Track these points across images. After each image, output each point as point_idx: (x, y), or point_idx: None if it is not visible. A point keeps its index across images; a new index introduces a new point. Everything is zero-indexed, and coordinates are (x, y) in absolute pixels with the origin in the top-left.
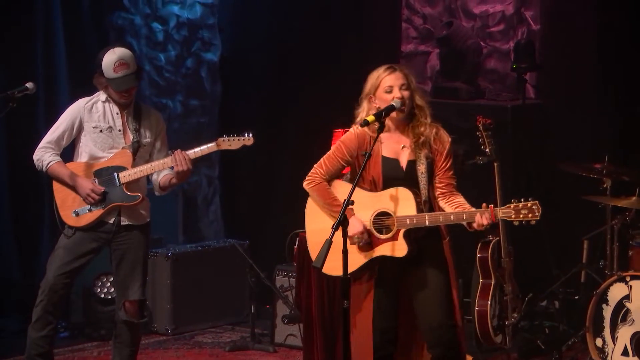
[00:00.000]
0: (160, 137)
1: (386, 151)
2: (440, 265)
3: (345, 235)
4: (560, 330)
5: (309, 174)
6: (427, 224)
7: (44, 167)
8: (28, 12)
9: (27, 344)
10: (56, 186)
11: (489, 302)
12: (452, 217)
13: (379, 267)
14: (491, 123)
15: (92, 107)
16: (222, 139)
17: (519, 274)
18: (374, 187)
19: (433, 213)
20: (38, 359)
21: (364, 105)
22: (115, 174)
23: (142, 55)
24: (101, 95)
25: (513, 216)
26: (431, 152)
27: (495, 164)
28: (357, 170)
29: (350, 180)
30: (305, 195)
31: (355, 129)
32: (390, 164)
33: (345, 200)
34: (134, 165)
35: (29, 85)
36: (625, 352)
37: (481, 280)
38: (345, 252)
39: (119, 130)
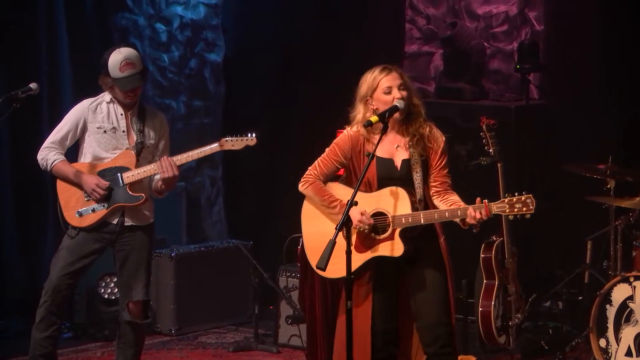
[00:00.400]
0: (164, 138)
1: (380, 151)
2: (437, 264)
3: (348, 236)
4: (564, 331)
5: (303, 176)
6: (422, 222)
7: (48, 166)
8: (31, 12)
9: (30, 344)
10: (60, 186)
11: (493, 303)
12: (446, 214)
13: (378, 268)
14: (495, 124)
15: (96, 108)
16: (225, 139)
17: (523, 275)
18: (368, 188)
19: (428, 211)
20: None
21: (360, 107)
22: (119, 174)
23: (146, 56)
24: (106, 96)
25: (507, 210)
26: (425, 151)
27: (499, 165)
28: (351, 171)
29: (346, 182)
30: None
31: (348, 131)
32: (385, 164)
33: (349, 201)
34: (137, 166)
35: (33, 85)
36: (629, 353)
37: (485, 281)
38: (348, 253)
39: (123, 131)
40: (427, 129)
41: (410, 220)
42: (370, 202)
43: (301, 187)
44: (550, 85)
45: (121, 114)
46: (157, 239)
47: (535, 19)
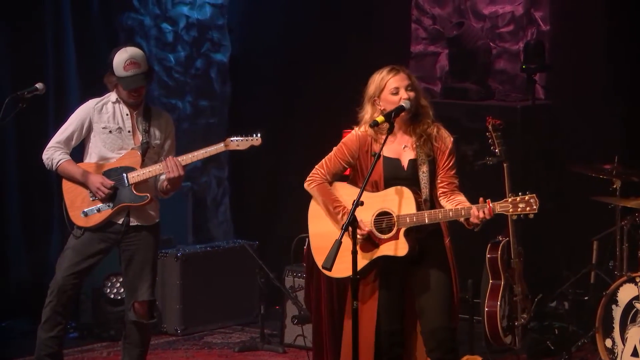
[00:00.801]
0: (169, 138)
1: (387, 151)
2: (441, 265)
3: (354, 236)
4: (570, 331)
5: (310, 174)
6: (426, 221)
7: (53, 166)
8: (37, 13)
9: (36, 344)
10: (65, 186)
11: (499, 303)
12: (450, 213)
13: (383, 268)
14: (501, 124)
15: (102, 108)
16: (230, 139)
17: (529, 275)
18: (375, 188)
19: (432, 210)
20: None
21: (367, 108)
22: (124, 174)
23: (152, 56)
24: (111, 96)
25: (511, 210)
26: (433, 151)
27: (505, 165)
28: (358, 170)
29: (352, 182)
30: None
31: (356, 131)
32: (392, 163)
33: (355, 200)
34: (143, 166)
35: (39, 85)
36: (635, 353)
37: (491, 281)
38: (354, 253)
39: (129, 131)
40: (435, 129)
41: (414, 219)
42: (375, 202)
43: (307, 185)
44: (556, 86)
45: (127, 114)
46: (163, 239)
47: (541, 19)
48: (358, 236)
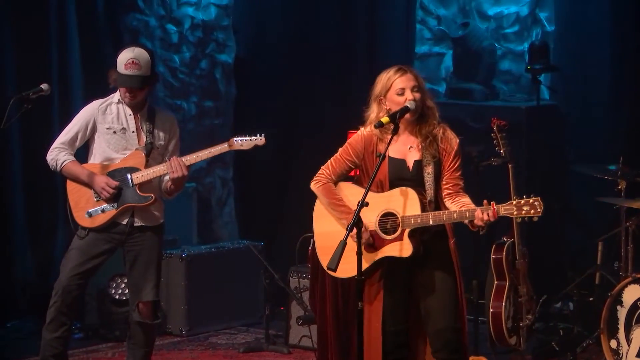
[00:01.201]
0: (174, 139)
1: (393, 152)
2: (447, 266)
3: (359, 236)
4: (575, 332)
5: (316, 175)
6: (430, 222)
7: (58, 167)
8: (42, 13)
9: (41, 345)
10: (70, 187)
11: (504, 304)
12: (455, 215)
13: (387, 269)
14: (506, 124)
15: (106, 109)
16: (234, 139)
17: (534, 276)
18: (380, 188)
19: (437, 212)
20: None
21: (374, 107)
22: (129, 175)
23: (157, 57)
24: (115, 97)
25: (515, 212)
26: (438, 152)
27: (510, 166)
28: (364, 171)
29: (358, 182)
30: None
31: (362, 131)
32: (397, 164)
33: (360, 201)
34: (147, 167)
35: (44, 86)
36: None
37: (495, 282)
38: (359, 253)
39: (133, 132)
40: (441, 130)
41: (419, 221)
42: (380, 202)
43: (313, 186)
44: (561, 86)
45: (130, 115)
46: (168, 239)
47: (546, 20)
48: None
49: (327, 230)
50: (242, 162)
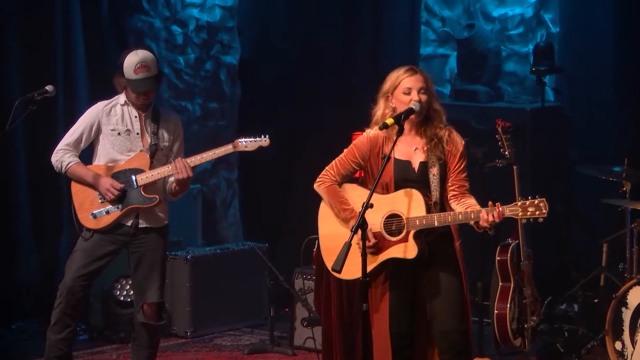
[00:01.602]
0: (178, 140)
1: (398, 153)
2: (452, 268)
3: (364, 238)
4: (580, 334)
5: (320, 175)
6: (435, 224)
7: (63, 168)
8: (47, 15)
9: (46, 346)
10: (74, 188)
11: (508, 305)
12: (460, 216)
13: (393, 270)
14: (510, 126)
15: (110, 110)
16: (239, 140)
17: (538, 277)
18: (385, 190)
19: (442, 213)
20: None
21: (381, 103)
22: (133, 176)
23: (162, 58)
24: (120, 99)
25: (520, 214)
26: (444, 154)
27: (515, 167)
28: (369, 173)
29: (362, 184)
30: None
31: (367, 133)
32: (402, 166)
33: (365, 202)
34: (151, 168)
35: (49, 88)
36: None
37: (500, 283)
38: (364, 255)
39: (137, 133)
40: (447, 132)
41: (424, 222)
42: (385, 204)
43: (316, 186)
44: (566, 88)
45: (135, 116)
46: (173, 241)
47: (551, 21)
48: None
49: (331, 231)
50: (247, 164)
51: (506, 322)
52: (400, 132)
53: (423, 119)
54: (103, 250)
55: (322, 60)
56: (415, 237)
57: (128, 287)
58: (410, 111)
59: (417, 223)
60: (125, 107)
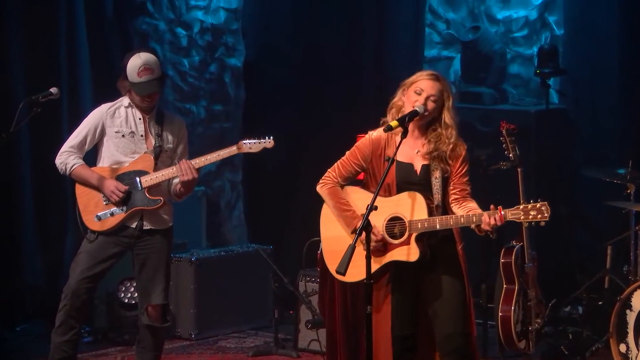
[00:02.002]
0: (182, 142)
1: (400, 156)
2: (455, 271)
3: (368, 240)
4: (584, 336)
5: (322, 177)
6: (437, 227)
7: (67, 170)
8: (51, 18)
9: (50, 348)
10: (79, 191)
11: (513, 308)
12: (461, 219)
13: (395, 273)
14: (515, 128)
15: (114, 112)
16: (243, 142)
17: (543, 279)
18: (387, 192)
19: (444, 216)
20: None
21: (398, 93)
22: (137, 178)
23: (166, 61)
24: (124, 101)
25: (522, 217)
26: (446, 159)
27: (519, 170)
28: (371, 175)
29: (364, 186)
30: None
31: (370, 135)
32: (405, 168)
33: (369, 205)
34: (155, 170)
35: (53, 90)
36: None
37: (505, 286)
38: (368, 257)
39: (141, 135)
40: (450, 147)
41: (426, 225)
42: (388, 207)
43: (319, 188)
44: (570, 90)
45: (139, 118)
46: (177, 243)
47: (555, 24)
48: (372, 243)
49: (334, 234)
50: (252, 166)
51: (510, 324)
52: (404, 135)
53: (425, 126)
54: (107, 253)
55: (326, 62)
56: (418, 239)
57: (132, 289)
58: (414, 113)
59: (419, 226)
60: (129, 109)
